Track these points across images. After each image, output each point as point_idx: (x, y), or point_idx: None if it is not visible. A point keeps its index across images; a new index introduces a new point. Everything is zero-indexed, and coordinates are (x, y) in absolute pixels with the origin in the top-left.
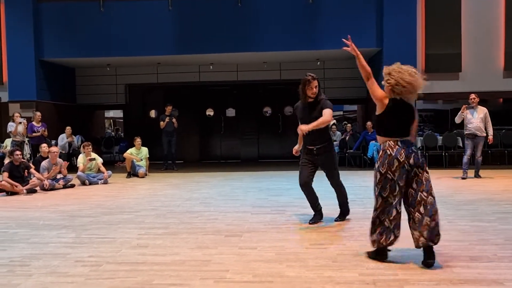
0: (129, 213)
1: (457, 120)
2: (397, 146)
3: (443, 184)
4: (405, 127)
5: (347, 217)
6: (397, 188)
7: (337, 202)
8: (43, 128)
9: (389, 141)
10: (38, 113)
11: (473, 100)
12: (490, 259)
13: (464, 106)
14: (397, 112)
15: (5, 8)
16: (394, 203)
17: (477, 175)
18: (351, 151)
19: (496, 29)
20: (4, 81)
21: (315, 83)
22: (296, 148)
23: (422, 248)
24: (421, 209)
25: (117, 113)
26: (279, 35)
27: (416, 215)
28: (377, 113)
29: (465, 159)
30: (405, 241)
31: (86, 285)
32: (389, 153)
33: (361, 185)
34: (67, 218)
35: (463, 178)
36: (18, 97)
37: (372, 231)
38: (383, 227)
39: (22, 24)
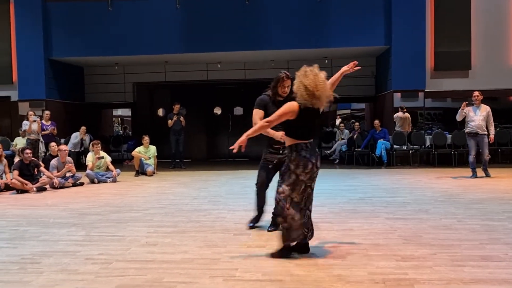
0: (137, 211)
1: (458, 118)
2: (308, 149)
3: (452, 183)
4: (314, 131)
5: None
6: (302, 189)
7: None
8: (53, 127)
9: (301, 143)
10: (47, 112)
11: (476, 97)
12: (501, 258)
13: (464, 103)
14: (308, 117)
15: (15, 8)
16: (301, 203)
17: (486, 174)
18: (359, 149)
19: (506, 26)
20: (14, 80)
21: (288, 82)
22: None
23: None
24: (310, 207)
25: (125, 112)
26: (287, 34)
27: (307, 212)
28: (290, 119)
29: (471, 158)
30: (414, 240)
31: (96, 283)
32: (303, 155)
33: (370, 184)
34: (77, 216)
35: (472, 178)
36: (27, 96)
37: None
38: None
39: (31, 23)
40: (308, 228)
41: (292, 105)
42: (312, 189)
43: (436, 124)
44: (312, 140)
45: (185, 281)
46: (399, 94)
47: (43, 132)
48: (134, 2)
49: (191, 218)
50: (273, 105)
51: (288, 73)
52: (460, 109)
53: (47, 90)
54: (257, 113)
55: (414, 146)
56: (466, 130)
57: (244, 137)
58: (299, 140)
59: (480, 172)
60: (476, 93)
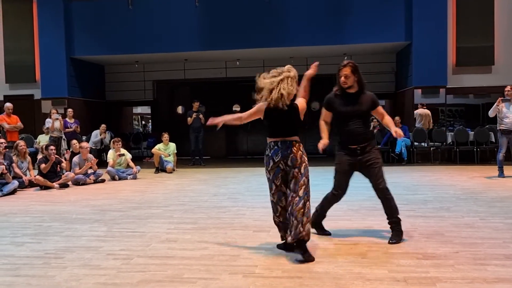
0: (157, 207)
1: (491, 113)
2: (275, 147)
3: (475, 180)
4: (282, 130)
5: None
6: (274, 187)
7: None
8: (76, 125)
9: (269, 141)
10: (70, 110)
11: (508, 92)
12: None
13: (499, 98)
14: (273, 116)
15: (37, 8)
16: (275, 201)
17: None
18: (379, 146)
19: None
20: (37, 79)
21: (345, 70)
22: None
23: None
24: (289, 209)
25: (145, 109)
26: (307, 30)
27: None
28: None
29: (500, 156)
30: (435, 238)
31: (118, 278)
32: (266, 153)
33: (390, 181)
34: (98, 212)
35: (499, 177)
36: (50, 94)
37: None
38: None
39: (53, 23)
40: (284, 230)
41: (260, 106)
42: (291, 191)
43: (458, 120)
44: (280, 139)
45: (205, 277)
46: (419, 91)
47: (66, 130)
48: (154, 1)
49: (211, 215)
50: (340, 99)
51: (349, 62)
52: (495, 104)
53: (69, 88)
54: (322, 113)
55: (435, 143)
56: (499, 127)
57: (220, 119)
58: (269, 138)
59: (507, 170)
60: (508, 88)
